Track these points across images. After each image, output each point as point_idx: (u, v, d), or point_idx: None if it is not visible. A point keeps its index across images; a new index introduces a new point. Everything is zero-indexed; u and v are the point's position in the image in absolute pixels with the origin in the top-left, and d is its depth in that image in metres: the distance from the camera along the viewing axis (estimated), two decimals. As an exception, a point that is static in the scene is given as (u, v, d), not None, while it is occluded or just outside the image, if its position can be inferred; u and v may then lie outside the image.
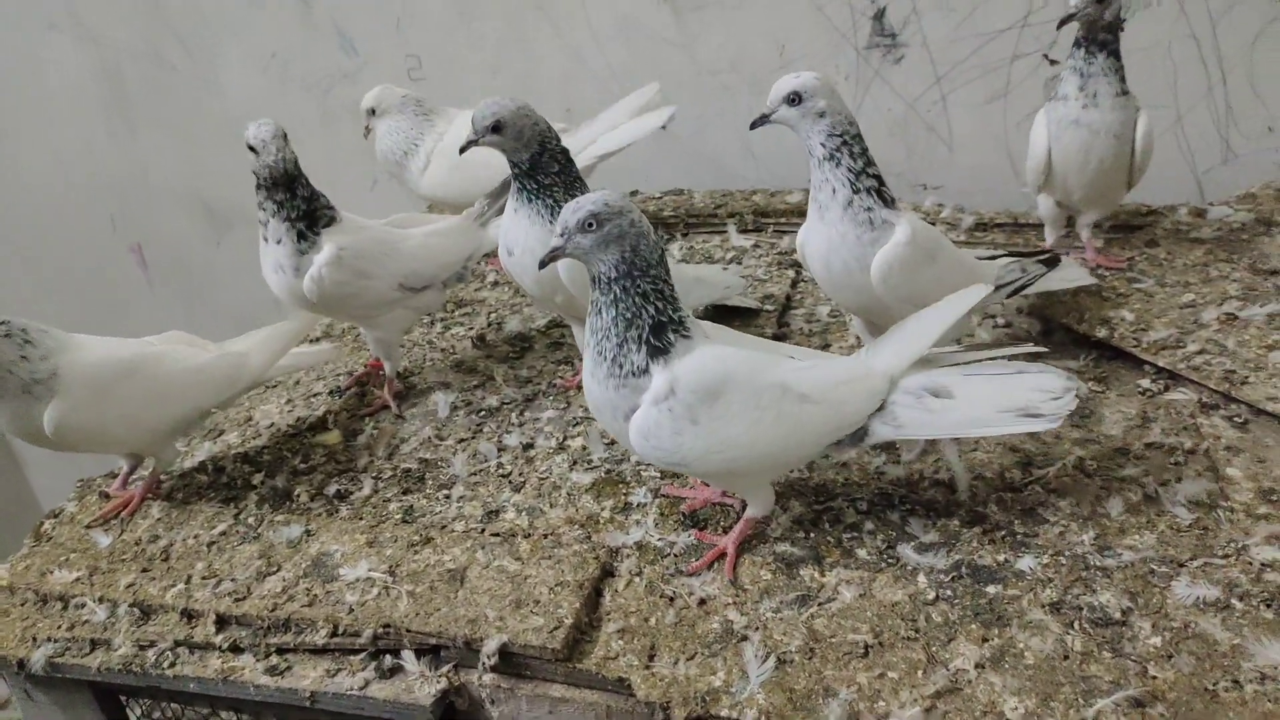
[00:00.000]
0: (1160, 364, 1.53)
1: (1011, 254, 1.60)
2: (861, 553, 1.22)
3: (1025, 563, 1.18)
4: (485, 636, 1.12)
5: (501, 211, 1.72)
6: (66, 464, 2.06)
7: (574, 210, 1.08)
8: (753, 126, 1.39)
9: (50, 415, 1.27)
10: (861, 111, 2.35)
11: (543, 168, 1.43)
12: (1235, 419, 1.41)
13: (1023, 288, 1.55)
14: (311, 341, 1.83)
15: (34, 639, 1.25)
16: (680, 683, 1.07)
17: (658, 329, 1.11)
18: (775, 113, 1.36)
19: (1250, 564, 1.15)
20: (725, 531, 1.27)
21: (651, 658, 1.10)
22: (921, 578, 1.18)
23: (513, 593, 1.18)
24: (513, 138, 1.40)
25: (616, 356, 1.11)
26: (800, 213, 2.20)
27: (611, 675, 1.09)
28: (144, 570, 1.31)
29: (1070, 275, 1.61)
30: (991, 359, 1.24)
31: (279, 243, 1.49)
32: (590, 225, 1.07)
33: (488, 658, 1.11)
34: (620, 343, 1.11)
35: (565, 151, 1.45)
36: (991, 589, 1.15)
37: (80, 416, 1.28)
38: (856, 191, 1.35)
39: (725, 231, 2.12)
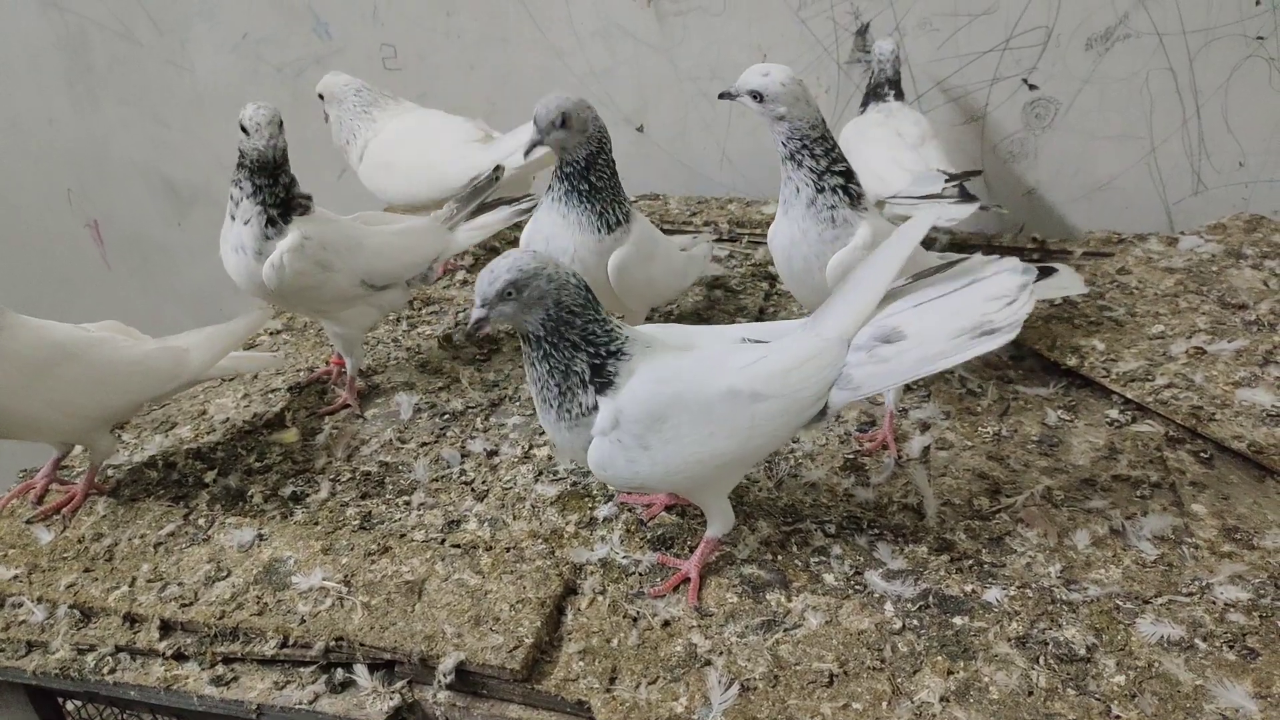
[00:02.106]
0: (1129, 395, 1.53)
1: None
2: (829, 578, 1.21)
3: (992, 594, 1.17)
4: (442, 654, 1.09)
5: (472, 215, 1.69)
6: (12, 451, 1.98)
7: (490, 281, 1.05)
8: (720, 96, 1.42)
9: None
10: (840, 123, 2.34)
11: (597, 169, 1.43)
12: (1201, 454, 1.42)
13: None
14: (248, 347, 1.75)
15: (-34, 639, 1.19)
16: (641, 707, 1.04)
17: (596, 369, 1.09)
18: (739, 97, 1.39)
19: (1214, 604, 1.15)
20: (692, 550, 1.25)
21: (613, 680, 1.08)
22: (889, 606, 1.16)
23: (472, 608, 1.15)
24: (578, 131, 1.40)
25: (562, 403, 1.10)
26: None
27: (571, 697, 1.06)
28: (86, 570, 1.26)
29: (1064, 283, 1.53)
30: (942, 272, 1.14)
31: (246, 223, 1.45)
32: (509, 294, 1.05)
33: (444, 676, 1.08)
34: (561, 391, 1.10)
35: (611, 153, 1.46)
36: (958, 620, 1.14)
37: (6, 398, 1.22)
38: (820, 190, 1.36)
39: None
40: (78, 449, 1.47)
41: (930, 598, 1.17)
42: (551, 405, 1.11)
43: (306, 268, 1.47)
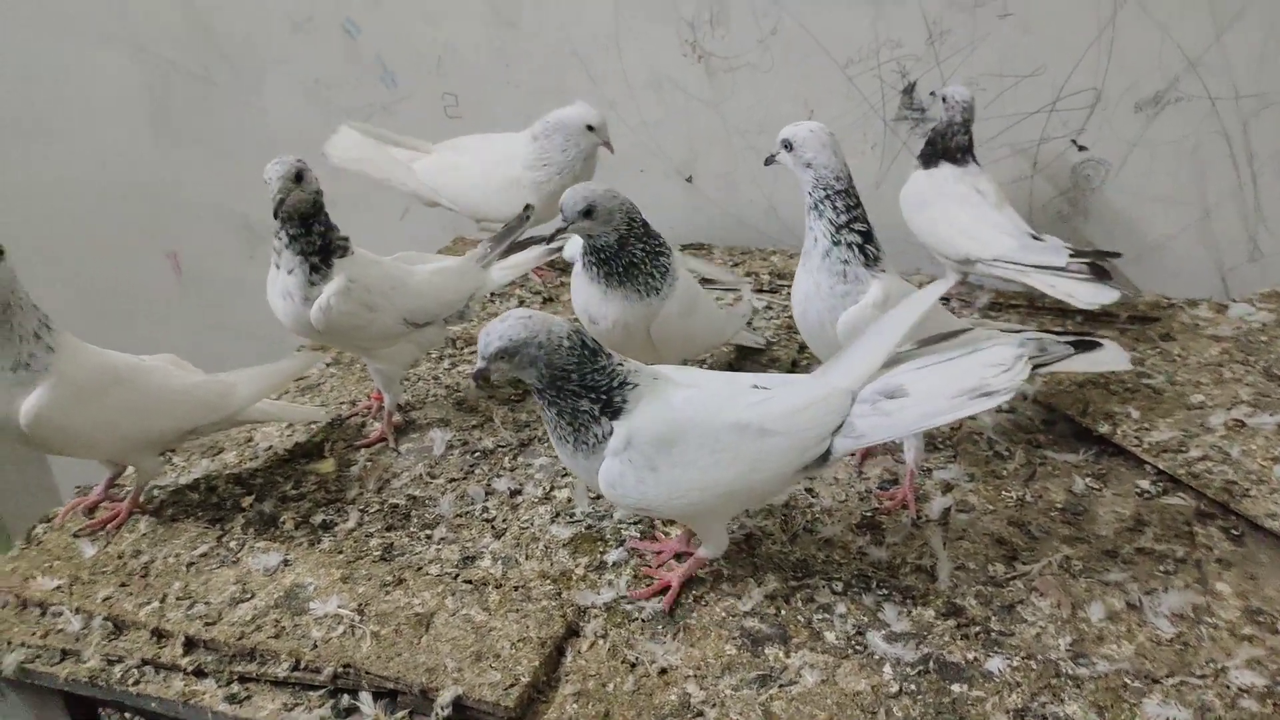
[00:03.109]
0: (1161, 466, 1.50)
1: (1045, 332, 1.55)
2: (830, 636, 1.21)
3: (995, 663, 1.16)
4: (442, 686, 1.12)
5: (505, 254, 1.75)
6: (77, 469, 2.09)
7: (486, 343, 1.12)
8: (766, 163, 1.50)
9: (28, 406, 1.28)
10: (887, 180, 2.36)
11: (629, 248, 1.47)
12: (1232, 531, 1.38)
13: (1039, 367, 1.50)
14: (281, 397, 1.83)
15: (8, 643, 1.27)
16: (630, 753, 1.06)
17: (605, 405, 1.15)
18: (776, 155, 1.47)
19: (1227, 687, 1.12)
20: (680, 560, 1.28)
21: (605, 724, 1.10)
22: (887, 669, 1.16)
23: (475, 644, 1.18)
24: (603, 221, 1.44)
25: (578, 437, 1.17)
26: (817, 278, 2.20)
27: (563, 739, 1.08)
28: (122, 585, 1.33)
29: (1107, 358, 1.49)
30: (946, 341, 1.24)
31: (290, 272, 1.52)
32: (503, 356, 1.12)
33: (441, 709, 1.11)
34: (575, 428, 1.16)
35: (645, 223, 1.50)
36: (957, 688, 1.13)
37: (57, 415, 1.30)
38: (836, 244, 1.39)
39: (738, 290, 2.12)
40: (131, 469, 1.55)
41: (931, 663, 1.16)
42: (568, 440, 1.18)
43: (352, 309, 1.54)
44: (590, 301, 1.52)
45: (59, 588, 1.33)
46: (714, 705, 1.11)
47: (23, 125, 3.22)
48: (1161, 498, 1.46)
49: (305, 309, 1.52)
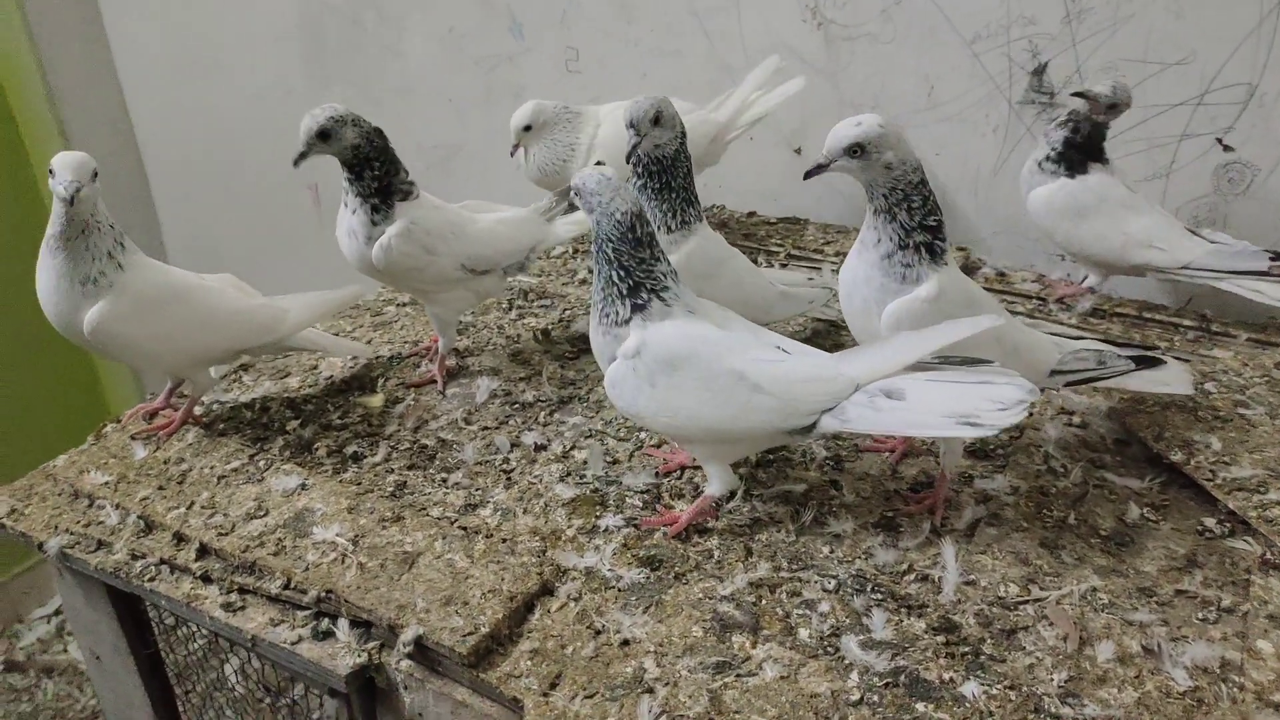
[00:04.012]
0: (1231, 505, 1.35)
1: (1104, 341, 1.45)
2: (804, 633, 1.16)
3: (971, 688, 1.08)
4: (406, 624, 1.16)
5: (570, 209, 1.74)
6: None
7: (572, 181, 1.28)
8: (807, 176, 1.33)
9: (91, 316, 1.39)
10: (1006, 168, 2.21)
11: (679, 165, 1.54)
12: (1296, 587, 1.23)
13: (1092, 380, 1.40)
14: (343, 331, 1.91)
15: (55, 527, 1.40)
16: (567, 717, 1.05)
17: (634, 289, 1.25)
18: (834, 163, 1.28)
19: (1229, 756, 1.00)
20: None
21: (553, 686, 1.10)
22: (854, 675, 1.10)
23: (449, 589, 1.20)
24: (669, 127, 1.51)
25: (604, 307, 1.28)
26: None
27: (509, 693, 1.09)
28: (159, 488, 1.44)
29: (1167, 379, 1.43)
30: (964, 365, 1.22)
31: (354, 212, 1.58)
32: (576, 192, 1.28)
33: (403, 645, 1.15)
34: (604, 295, 1.27)
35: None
36: (921, 706, 1.06)
37: (116, 325, 1.40)
38: (903, 247, 1.28)
39: (820, 268, 2.04)
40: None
41: (902, 677, 1.10)
42: (598, 307, 1.28)
43: (412, 250, 1.58)
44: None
45: (107, 483, 1.45)
46: (666, 684, 1.09)
47: (189, 60, 3.47)
48: (1224, 539, 1.32)
49: (367, 248, 1.58)
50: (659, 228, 1.52)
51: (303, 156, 1.51)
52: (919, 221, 1.27)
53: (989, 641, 1.16)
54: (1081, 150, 1.83)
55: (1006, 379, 1.18)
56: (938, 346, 1.21)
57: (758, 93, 2.18)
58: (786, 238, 2.24)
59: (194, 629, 1.49)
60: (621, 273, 1.25)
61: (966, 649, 1.14)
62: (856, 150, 1.24)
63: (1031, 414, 1.60)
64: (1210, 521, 1.35)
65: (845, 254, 2.13)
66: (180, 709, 1.62)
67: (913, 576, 1.26)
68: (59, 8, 3.49)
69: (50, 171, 1.35)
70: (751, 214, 2.42)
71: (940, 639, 1.15)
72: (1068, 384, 1.41)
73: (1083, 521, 1.36)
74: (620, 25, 2.58)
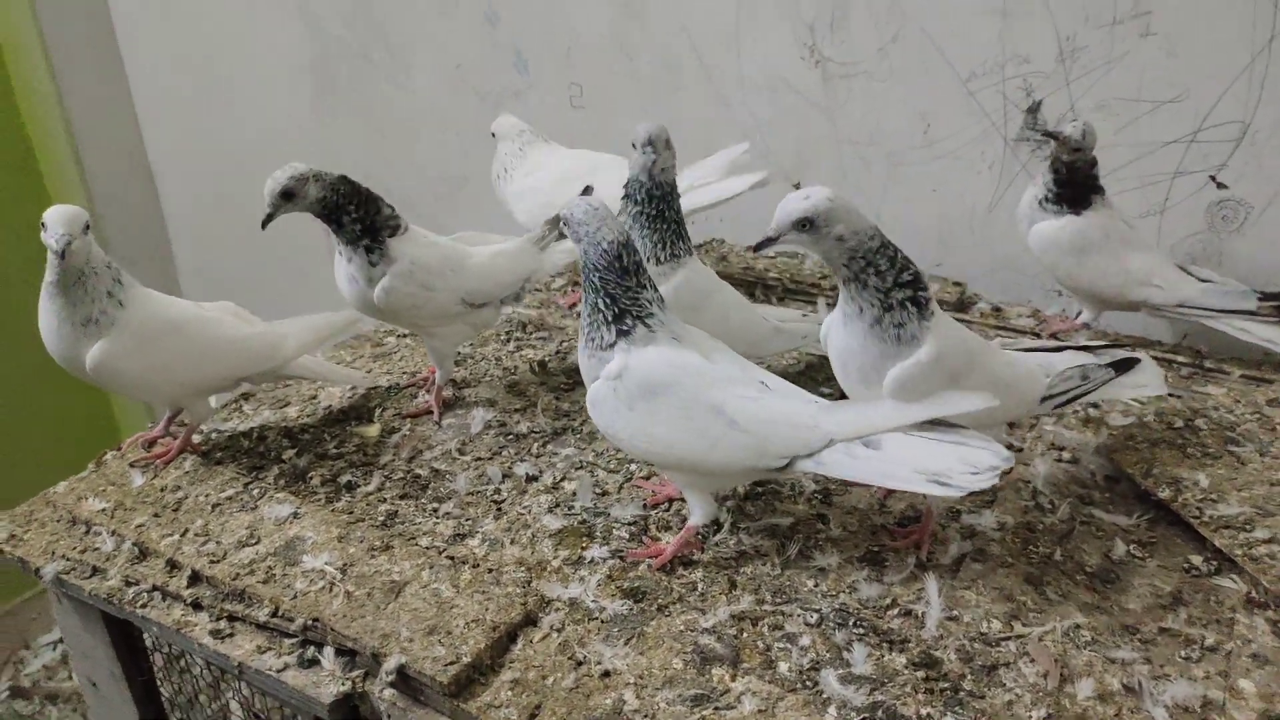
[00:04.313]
0: (1218, 543, 1.35)
1: (1080, 348, 1.46)
2: (783, 666, 1.17)
3: (947, 723, 1.08)
4: (390, 653, 1.17)
5: (562, 236, 1.77)
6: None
7: (560, 211, 1.32)
8: (755, 249, 1.29)
9: (93, 354, 1.42)
10: (1002, 204, 2.23)
11: (673, 197, 1.61)
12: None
13: (1078, 397, 1.41)
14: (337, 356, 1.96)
15: (52, 553, 1.42)
16: (546, 749, 1.06)
17: (619, 315, 1.28)
18: (783, 236, 1.25)
19: (1205, 796, 1.00)
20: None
21: (533, 717, 1.11)
22: (832, 710, 1.11)
23: (434, 618, 1.22)
24: (671, 152, 1.60)
25: (590, 332, 1.30)
26: (905, 298, 2.11)
27: (488, 723, 1.10)
28: (155, 515, 1.46)
29: (1142, 380, 1.45)
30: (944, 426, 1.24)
31: (349, 260, 1.59)
32: (563, 222, 1.31)
33: (386, 674, 1.16)
34: (590, 320, 1.30)
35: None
36: (898, 742, 1.07)
37: (117, 361, 1.43)
38: (888, 309, 1.24)
39: (816, 303, 2.06)
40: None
41: (880, 712, 1.10)
42: (584, 330, 1.31)
43: (412, 290, 1.60)
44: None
45: (104, 510, 1.48)
46: (645, 716, 1.10)
47: (204, 93, 3.55)
48: (1211, 577, 1.32)
49: (369, 290, 1.60)
50: (648, 259, 1.55)
51: (270, 218, 1.53)
52: (894, 281, 1.23)
53: (969, 678, 1.16)
54: (1075, 187, 1.84)
55: (983, 444, 1.19)
56: (925, 419, 1.22)
57: (715, 177, 2.11)
58: (784, 271, 2.26)
59: (191, 659, 1.50)
60: (608, 300, 1.28)
61: (946, 685, 1.14)
62: (805, 224, 1.21)
63: (1021, 449, 1.61)
64: (1197, 559, 1.35)
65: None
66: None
67: (896, 611, 1.27)
68: (78, 42, 3.58)
69: (42, 225, 1.37)
70: (750, 248, 2.44)
71: (920, 674, 1.16)
72: (1056, 406, 1.41)
73: (1069, 558, 1.36)
74: (623, 61, 2.63)
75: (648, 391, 1.25)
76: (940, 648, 1.20)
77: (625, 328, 1.28)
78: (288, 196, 1.51)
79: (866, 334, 1.27)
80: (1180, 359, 1.85)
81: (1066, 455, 1.59)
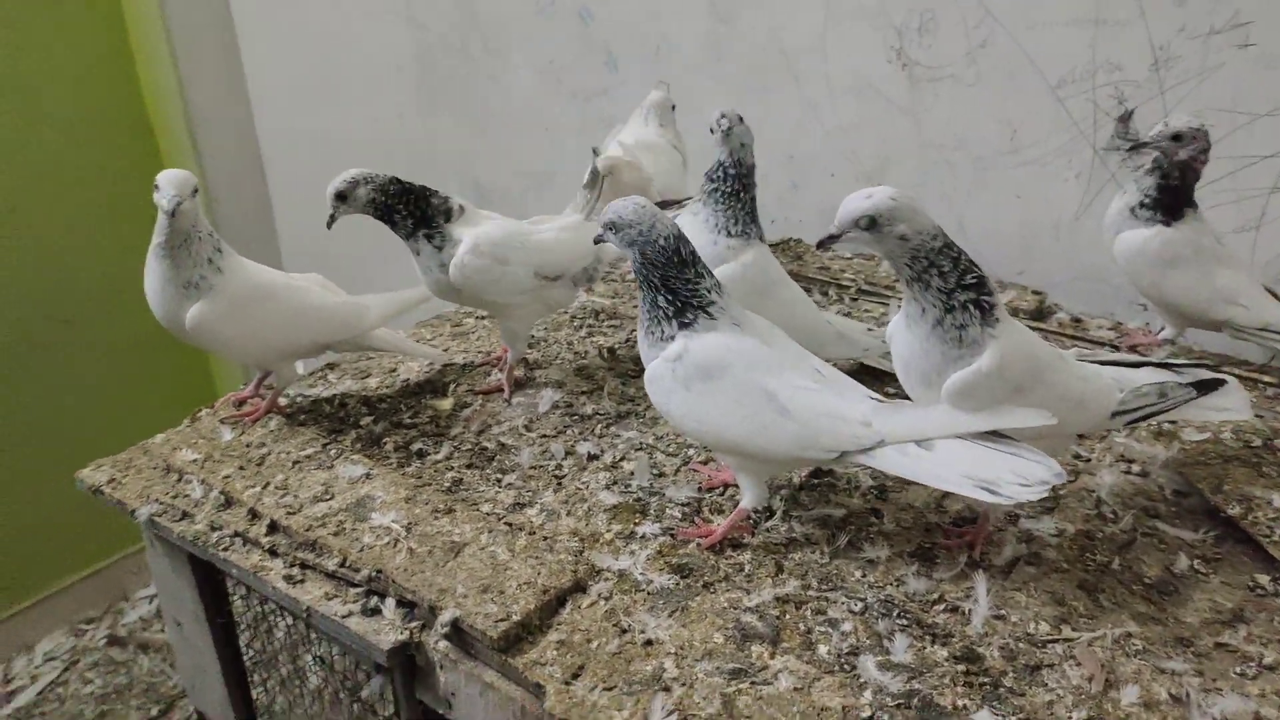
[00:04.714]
0: (1285, 562, 1.31)
1: (1161, 365, 1.40)
2: (822, 649, 1.19)
3: (982, 716, 1.08)
4: (445, 607, 1.23)
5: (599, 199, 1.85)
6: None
7: (604, 214, 1.33)
8: (819, 246, 1.27)
9: (192, 314, 1.54)
10: (1089, 213, 2.19)
11: (750, 177, 1.65)
12: (1346, 650, 1.19)
13: (1152, 415, 1.36)
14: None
15: (146, 497, 1.53)
16: (585, 707, 1.10)
17: (680, 310, 1.30)
18: (845, 234, 1.23)
19: (1245, 808, 0.98)
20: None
21: (575, 676, 1.15)
22: (867, 694, 1.12)
23: (489, 578, 1.27)
24: (749, 133, 1.65)
25: (650, 326, 1.34)
26: (980, 305, 2.09)
27: (533, 679, 1.15)
28: (240, 468, 1.56)
29: (1225, 403, 1.38)
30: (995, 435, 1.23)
31: (418, 253, 1.67)
32: (612, 227, 1.32)
33: (441, 626, 1.22)
34: (650, 315, 1.33)
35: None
36: (930, 729, 1.07)
37: (213, 322, 1.54)
38: (949, 310, 1.22)
39: (887, 304, 2.06)
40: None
41: (915, 700, 1.11)
42: (644, 325, 1.35)
43: (485, 263, 1.67)
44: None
45: (195, 460, 1.58)
46: (683, 684, 1.13)
47: (314, 86, 3.71)
48: (1277, 598, 1.28)
49: (444, 275, 1.67)
50: (719, 232, 1.59)
51: (332, 219, 1.65)
52: (956, 282, 1.21)
53: (1010, 675, 1.16)
54: (1175, 194, 1.77)
55: (1037, 458, 1.19)
56: (982, 430, 1.22)
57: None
58: (860, 273, 2.26)
59: (274, 623, 1.59)
60: (669, 295, 1.30)
61: (986, 680, 1.15)
62: (868, 222, 1.20)
63: (1089, 459, 1.58)
64: (1264, 579, 1.32)
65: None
66: (250, 679, 1.73)
67: (942, 606, 1.27)
68: (201, 40, 3.79)
69: (155, 186, 1.49)
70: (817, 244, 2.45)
71: (960, 668, 1.16)
72: (1128, 423, 1.38)
73: (1127, 568, 1.34)
74: (710, 62, 2.67)
75: (704, 373, 1.28)
76: (984, 644, 1.20)
77: (687, 320, 1.31)
78: (341, 198, 1.62)
79: (929, 335, 1.25)
80: (1267, 379, 1.79)
81: (1135, 468, 1.56)
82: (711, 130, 1.63)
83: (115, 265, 3.49)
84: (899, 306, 1.92)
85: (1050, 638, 1.22)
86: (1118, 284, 2.16)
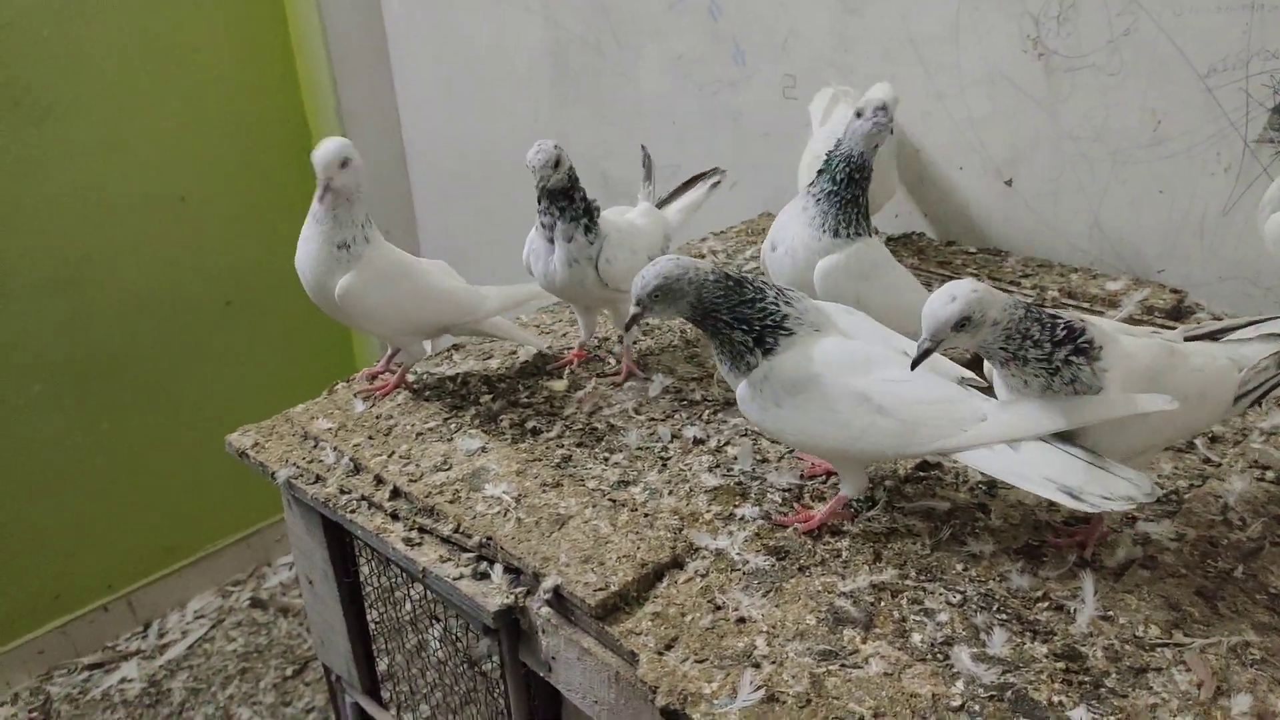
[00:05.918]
0: None
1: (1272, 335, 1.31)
2: (916, 638, 1.18)
3: (1079, 713, 1.06)
4: (548, 574, 1.29)
5: (674, 195, 2.00)
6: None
7: (642, 286, 1.28)
8: (915, 364, 1.21)
9: (342, 283, 1.65)
10: (1238, 209, 2.07)
11: (866, 173, 1.59)
12: None
13: (1273, 388, 1.29)
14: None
15: (285, 461, 1.65)
16: (676, 675, 1.14)
17: (758, 340, 1.28)
18: (938, 345, 1.17)
19: (1362, 828, 0.93)
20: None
21: (668, 647, 1.19)
22: (959, 684, 1.11)
23: (590, 549, 1.33)
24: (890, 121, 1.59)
25: (734, 363, 1.31)
26: (1113, 303, 2.02)
27: (628, 647, 1.19)
28: (369, 438, 1.66)
29: None
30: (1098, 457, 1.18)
31: (569, 240, 1.73)
32: (659, 295, 1.27)
33: (544, 592, 1.28)
34: (732, 356, 1.31)
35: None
36: (1022, 722, 1.06)
37: (360, 291, 1.65)
38: (1054, 373, 1.18)
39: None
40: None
41: (1009, 693, 1.10)
42: (726, 361, 1.32)
43: (627, 255, 1.74)
44: (787, 220, 1.65)
45: (330, 430, 1.70)
46: (773, 662, 1.16)
47: (456, 85, 3.88)
48: None
49: (590, 268, 1.73)
50: (826, 231, 1.57)
51: (544, 187, 1.72)
52: (1051, 343, 1.17)
53: (1113, 676, 1.12)
54: None
55: (1126, 476, 1.14)
56: (1078, 425, 1.18)
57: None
58: (983, 268, 2.21)
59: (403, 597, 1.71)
60: (744, 328, 1.27)
61: (1086, 679, 1.12)
62: (963, 324, 1.14)
63: (1220, 464, 1.51)
64: None
65: (1042, 288, 2.09)
66: (372, 636, 1.85)
67: (1046, 605, 1.24)
68: (354, 43, 4.02)
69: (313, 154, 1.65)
70: (950, 243, 2.40)
71: (1060, 665, 1.14)
72: (1251, 403, 1.31)
73: (1251, 577, 1.28)
74: (839, 54, 2.65)
75: (791, 389, 1.26)
76: (1087, 644, 1.17)
77: (769, 345, 1.27)
78: (556, 165, 1.70)
79: (1042, 394, 1.21)
80: None
81: (1271, 475, 1.48)
82: (859, 114, 1.54)
83: (271, 253, 3.74)
84: None
85: (1160, 641, 1.17)
86: (1269, 284, 2.04)
